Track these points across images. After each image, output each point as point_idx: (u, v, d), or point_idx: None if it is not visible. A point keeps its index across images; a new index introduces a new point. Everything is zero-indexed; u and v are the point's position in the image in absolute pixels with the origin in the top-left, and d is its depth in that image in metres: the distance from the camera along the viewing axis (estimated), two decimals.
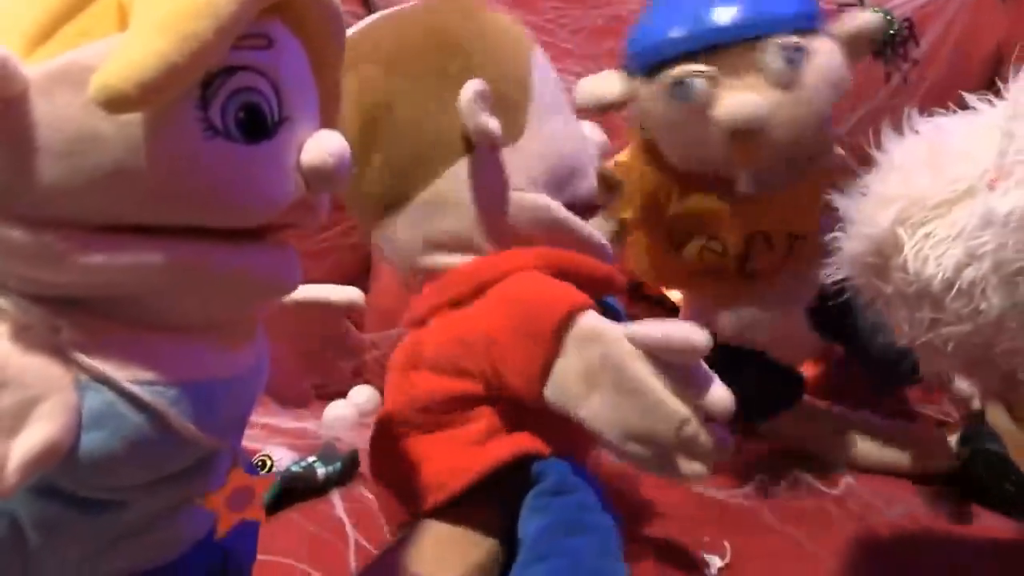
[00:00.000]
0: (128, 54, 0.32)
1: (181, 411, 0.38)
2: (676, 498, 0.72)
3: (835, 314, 0.63)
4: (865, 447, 0.79)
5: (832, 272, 0.51)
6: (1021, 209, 0.40)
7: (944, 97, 0.93)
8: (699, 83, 0.66)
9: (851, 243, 0.49)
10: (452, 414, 0.54)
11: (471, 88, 0.53)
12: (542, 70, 0.59)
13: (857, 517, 0.72)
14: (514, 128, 0.56)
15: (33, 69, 0.33)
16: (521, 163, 0.56)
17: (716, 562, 0.65)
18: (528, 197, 0.56)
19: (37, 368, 0.35)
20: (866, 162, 0.53)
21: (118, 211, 0.35)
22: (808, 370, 0.87)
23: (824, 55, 0.67)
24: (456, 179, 0.56)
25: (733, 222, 0.72)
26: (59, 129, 0.34)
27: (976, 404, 0.75)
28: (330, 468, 0.76)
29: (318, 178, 0.39)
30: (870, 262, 0.48)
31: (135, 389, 0.37)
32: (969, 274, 0.42)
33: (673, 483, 0.69)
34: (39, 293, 0.36)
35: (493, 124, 0.53)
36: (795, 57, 0.66)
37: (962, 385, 0.77)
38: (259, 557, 0.57)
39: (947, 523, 0.71)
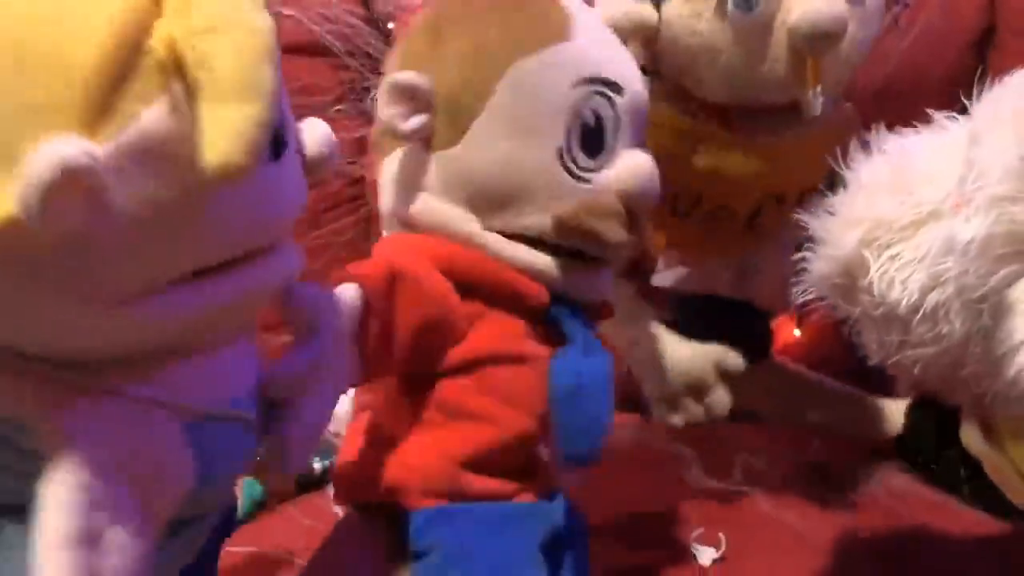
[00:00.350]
0: (229, 126, 0.32)
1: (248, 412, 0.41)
2: (669, 490, 0.73)
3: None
4: (816, 408, 0.81)
5: (802, 292, 0.51)
6: (981, 237, 0.40)
7: (935, 45, 0.92)
8: None
9: (819, 264, 0.49)
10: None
11: (388, 80, 0.51)
12: (524, 85, 0.52)
13: (848, 500, 0.73)
14: (452, 134, 0.52)
15: (103, 149, 0.32)
16: (446, 171, 0.53)
17: (710, 553, 0.65)
18: (438, 205, 0.53)
19: (147, 426, 0.37)
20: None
21: (181, 265, 0.35)
22: (790, 337, 0.87)
23: None
24: (392, 163, 0.55)
25: (745, 188, 0.68)
26: (136, 203, 0.33)
27: None
28: (326, 462, 0.77)
29: (318, 167, 0.42)
30: (838, 283, 0.48)
31: (223, 410, 0.40)
32: (933, 298, 0.42)
33: (665, 474, 0.70)
34: (105, 356, 0.37)
35: (397, 122, 0.51)
36: None
37: None
38: (255, 550, 0.58)
39: (935, 501, 0.73)
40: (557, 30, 0.53)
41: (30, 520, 0.36)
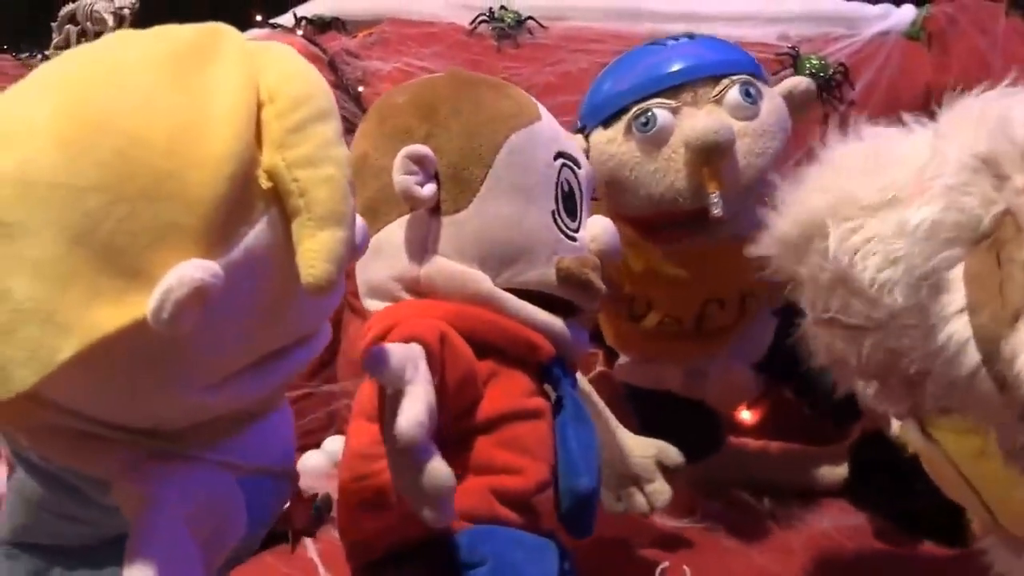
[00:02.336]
0: (325, 249, 0.38)
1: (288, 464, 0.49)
2: (636, 529, 0.76)
3: (783, 359, 0.64)
4: (770, 473, 0.86)
5: (757, 248, 0.54)
6: (928, 222, 0.44)
7: None
8: (661, 112, 0.69)
9: (781, 222, 0.52)
10: (371, 462, 0.55)
11: (404, 150, 0.56)
12: (519, 155, 0.59)
13: (793, 530, 0.78)
14: (459, 200, 0.58)
15: (219, 265, 0.37)
16: (457, 234, 0.58)
17: None
18: (454, 267, 0.57)
19: (216, 486, 0.42)
20: None
21: (259, 353, 0.42)
22: (753, 416, 0.92)
23: (773, 98, 0.73)
24: (395, 231, 0.59)
25: (686, 297, 0.75)
26: (243, 307, 0.39)
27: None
28: None
29: (358, 255, 0.48)
30: (793, 242, 0.51)
31: (270, 466, 0.46)
32: (885, 276, 0.46)
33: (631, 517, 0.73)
34: (182, 426, 0.42)
35: (416, 189, 0.56)
36: (753, 93, 0.70)
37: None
38: None
39: (882, 533, 0.77)
40: (534, 111, 0.61)
41: (86, 557, 0.41)
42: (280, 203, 0.38)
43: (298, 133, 0.39)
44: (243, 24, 1.07)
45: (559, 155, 0.60)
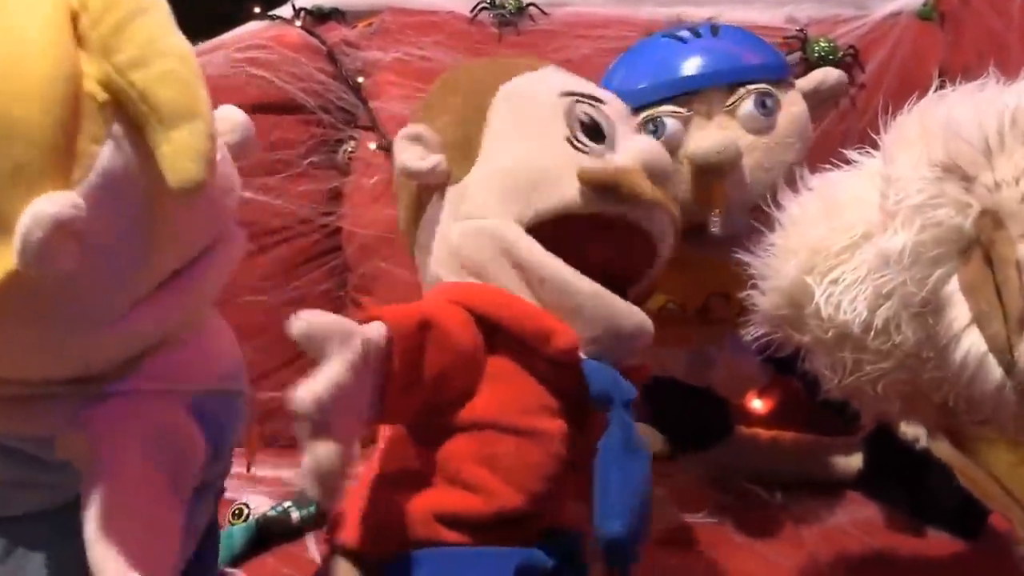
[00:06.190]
0: (183, 147, 0.36)
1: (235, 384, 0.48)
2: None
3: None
4: (782, 464, 0.84)
5: (751, 331, 0.53)
6: (910, 247, 0.43)
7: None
8: (671, 122, 0.67)
9: (765, 299, 0.51)
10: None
11: (399, 133, 0.57)
12: (513, 99, 0.59)
13: (807, 523, 0.76)
14: (466, 164, 0.57)
15: (77, 194, 0.35)
16: (476, 188, 0.57)
17: None
18: (474, 224, 0.56)
19: (160, 414, 0.42)
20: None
21: (160, 273, 0.40)
22: (764, 405, 0.90)
23: (794, 105, 0.70)
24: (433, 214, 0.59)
25: (692, 286, 0.73)
26: (125, 231, 0.38)
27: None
28: (304, 512, 0.77)
29: (244, 151, 0.48)
30: (785, 314, 0.50)
31: (214, 386, 0.45)
32: (883, 313, 0.44)
33: None
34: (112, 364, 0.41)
35: (417, 162, 0.56)
36: (768, 103, 0.68)
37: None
38: None
39: (900, 527, 0.75)
40: (533, 64, 0.61)
41: (52, 523, 0.41)
42: (125, 113, 0.37)
43: (117, 35, 0.36)
44: (242, 16, 1.06)
45: (570, 93, 0.58)
